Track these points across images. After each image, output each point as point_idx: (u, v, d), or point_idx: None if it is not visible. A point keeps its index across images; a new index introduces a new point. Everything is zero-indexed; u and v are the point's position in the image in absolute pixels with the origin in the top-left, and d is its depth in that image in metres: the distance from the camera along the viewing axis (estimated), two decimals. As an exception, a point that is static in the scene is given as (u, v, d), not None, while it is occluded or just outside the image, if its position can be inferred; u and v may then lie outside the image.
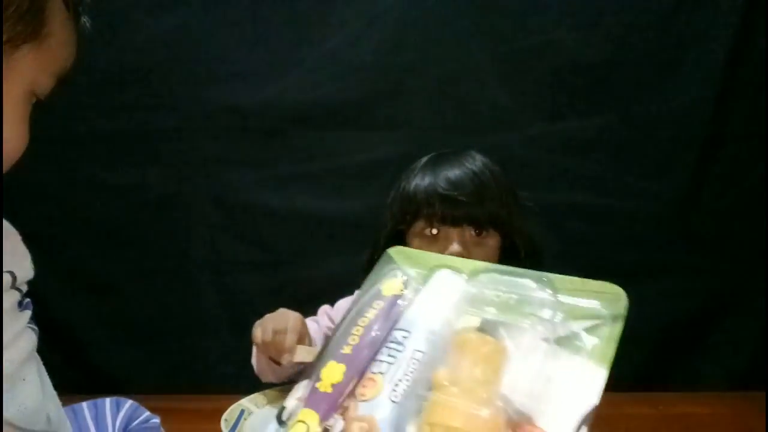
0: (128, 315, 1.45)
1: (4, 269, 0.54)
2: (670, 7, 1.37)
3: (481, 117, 1.41)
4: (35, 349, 0.57)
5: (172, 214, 1.44)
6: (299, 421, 0.51)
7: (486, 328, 0.54)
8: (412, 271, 0.60)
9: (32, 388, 0.56)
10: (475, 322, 0.54)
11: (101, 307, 1.45)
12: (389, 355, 0.53)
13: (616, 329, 0.54)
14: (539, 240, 1.01)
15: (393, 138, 1.42)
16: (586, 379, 0.49)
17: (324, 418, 0.51)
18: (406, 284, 0.59)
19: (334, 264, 1.36)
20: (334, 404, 0.52)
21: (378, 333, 0.55)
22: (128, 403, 0.74)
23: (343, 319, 0.58)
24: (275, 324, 0.86)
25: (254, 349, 0.97)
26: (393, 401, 0.50)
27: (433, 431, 0.48)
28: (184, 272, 1.45)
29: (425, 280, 0.59)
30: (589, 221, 1.41)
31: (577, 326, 0.52)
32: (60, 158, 1.38)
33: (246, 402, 0.88)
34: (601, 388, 0.49)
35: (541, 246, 1.01)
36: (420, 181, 0.97)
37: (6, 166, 0.55)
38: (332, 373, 0.53)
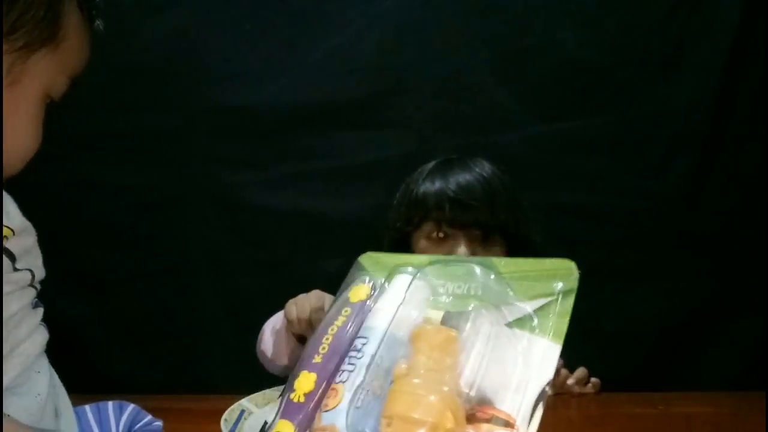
0: (128, 315, 1.46)
1: (24, 267, 0.57)
2: (670, 7, 1.37)
3: (481, 117, 1.41)
4: (45, 346, 0.61)
5: (172, 214, 1.44)
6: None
7: (443, 320, 0.55)
8: (380, 276, 0.61)
9: (45, 379, 0.60)
10: (436, 315, 0.55)
11: (101, 307, 1.45)
12: (350, 363, 0.54)
13: (567, 303, 0.53)
14: (543, 249, 1.02)
15: (393, 138, 1.42)
16: (541, 356, 0.50)
17: (300, 429, 0.52)
18: (373, 289, 0.60)
19: (334, 264, 1.36)
20: (307, 414, 0.53)
21: (345, 341, 0.56)
22: (131, 407, 0.74)
23: (317, 328, 0.60)
24: (312, 302, 0.88)
25: (269, 332, 0.98)
26: (356, 408, 0.51)
27: (391, 424, 0.47)
28: (184, 272, 1.45)
29: (387, 283, 0.60)
30: (589, 221, 1.41)
31: (531, 306, 0.53)
32: (60, 158, 1.39)
33: (246, 402, 0.88)
34: (555, 362, 0.50)
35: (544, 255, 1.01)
36: (430, 185, 0.98)
37: (19, 166, 0.56)
38: (304, 383, 0.54)
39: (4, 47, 0.52)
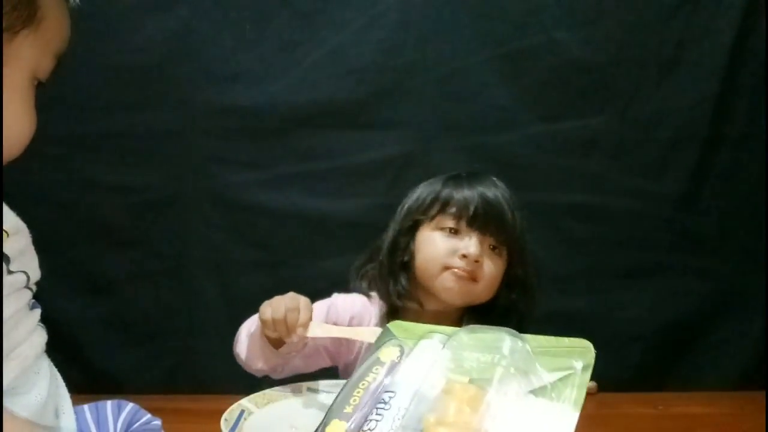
0: (128, 315, 1.45)
1: (19, 269, 0.57)
2: (670, 7, 1.37)
3: (481, 117, 1.41)
4: (44, 346, 0.61)
5: (172, 214, 1.44)
6: None
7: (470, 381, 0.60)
8: (408, 341, 0.67)
9: (45, 380, 0.60)
10: (462, 380, 0.60)
11: (101, 307, 1.45)
12: (377, 414, 0.58)
13: (585, 377, 0.60)
14: (536, 271, 1.03)
15: (393, 138, 1.42)
16: (560, 421, 0.55)
17: None
18: (401, 352, 0.66)
19: (334, 264, 1.36)
20: None
21: (375, 395, 0.62)
22: (129, 406, 0.74)
23: (347, 382, 0.65)
24: (287, 303, 0.87)
25: (245, 334, 0.98)
26: None
27: None
28: (184, 272, 1.45)
29: (414, 347, 0.66)
30: (589, 221, 1.41)
31: (551, 377, 0.59)
32: (60, 158, 1.39)
33: (246, 402, 0.88)
34: (573, 427, 0.54)
35: (536, 278, 1.03)
36: (457, 186, 0.99)
37: (17, 151, 0.57)
38: (335, 430, 0.59)
39: None
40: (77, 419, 0.68)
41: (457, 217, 0.97)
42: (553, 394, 0.57)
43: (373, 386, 0.62)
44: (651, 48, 1.38)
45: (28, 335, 0.59)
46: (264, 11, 1.40)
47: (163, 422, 0.75)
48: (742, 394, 1.20)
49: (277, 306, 0.88)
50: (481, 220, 0.96)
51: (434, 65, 1.41)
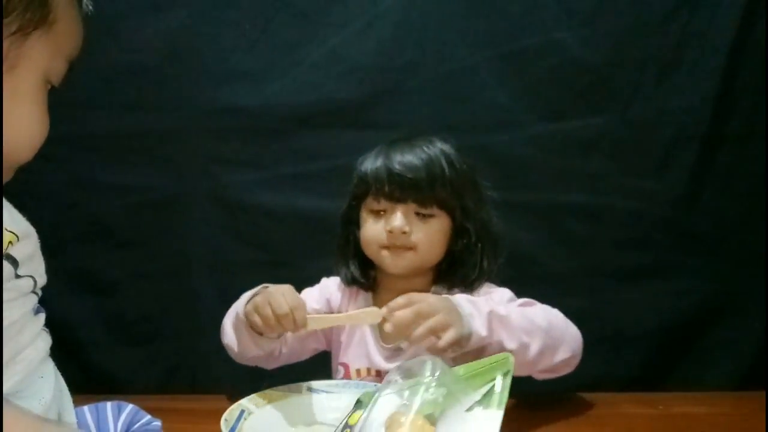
0: (128, 315, 1.46)
1: (26, 273, 0.57)
2: (670, 7, 1.37)
3: (481, 117, 1.41)
4: (49, 351, 0.62)
5: (172, 214, 1.44)
6: None
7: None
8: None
9: (49, 384, 0.60)
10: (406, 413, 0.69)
11: (101, 307, 1.45)
12: None
13: (507, 380, 0.69)
14: (498, 230, 1.05)
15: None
16: (488, 420, 0.66)
17: None
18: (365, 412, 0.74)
19: (334, 264, 1.36)
20: None
21: None
22: (129, 407, 0.74)
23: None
24: (289, 300, 0.89)
25: (229, 325, 1.00)
26: None
27: None
28: (184, 272, 1.45)
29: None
30: (589, 221, 1.41)
31: (479, 392, 0.70)
32: (60, 158, 1.39)
33: (246, 402, 0.88)
34: (499, 424, 0.65)
35: (499, 234, 1.05)
36: (373, 161, 1.02)
37: (28, 155, 0.57)
38: None
39: None
40: (77, 420, 0.68)
41: (376, 197, 1.00)
42: (483, 404, 0.67)
43: None
44: (651, 48, 1.38)
45: (33, 339, 0.59)
46: (264, 11, 1.40)
47: (162, 422, 0.75)
48: (742, 394, 1.20)
49: (279, 303, 0.88)
50: (397, 192, 0.98)
51: (434, 65, 1.41)
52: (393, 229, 0.98)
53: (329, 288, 1.12)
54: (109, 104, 1.41)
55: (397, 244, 0.99)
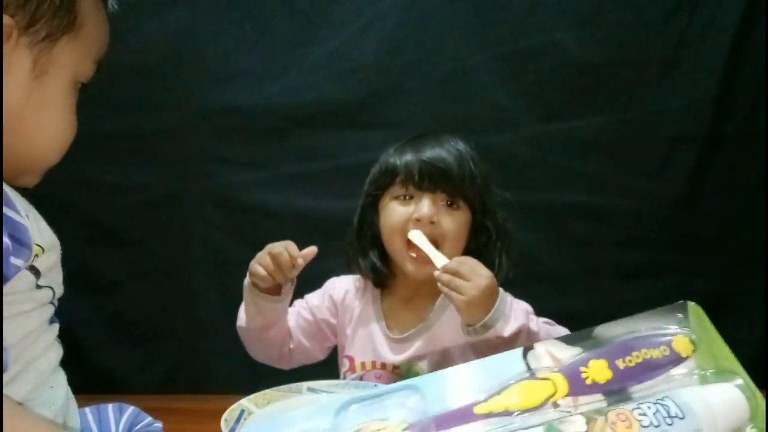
0: (128, 315, 1.46)
1: (47, 284, 0.58)
2: (670, 7, 1.37)
3: (481, 117, 1.41)
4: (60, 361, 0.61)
5: (172, 214, 1.44)
6: None
7: None
8: None
9: (60, 393, 0.60)
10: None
11: (101, 307, 1.45)
12: None
13: None
14: (511, 229, 1.04)
15: (393, 138, 1.41)
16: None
17: None
18: None
19: (334, 264, 1.36)
20: None
21: None
22: (131, 409, 0.74)
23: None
24: (281, 243, 0.96)
25: (241, 309, 1.01)
26: None
27: None
28: (184, 272, 1.45)
29: None
30: (589, 221, 1.41)
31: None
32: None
33: (246, 402, 0.88)
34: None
35: (511, 234, 1.04)
36: (401, 154, 1.01)
37: (56, 157, 0.57)
38: None
39: (27, 40, 0.53)
40: (79, 422, 0.68)
41: (405, 183, 0.98)
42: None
43: None
44: (651, 48, 1.38)
45: (46, 350, 0.59)
46: (264, 11, 1.41)
47: (163, 422, 0.75)
48: (742, 394, 1.20)
49: (271, 247, 0.95)
50: (428, 180, 0.97)
51: (434, 65, 1.41)
52: (421, 217, 0.95)
53: (335, 285, 1.11)
54: (109, 104, 1.41)
55: (425, 232, 0.95)
